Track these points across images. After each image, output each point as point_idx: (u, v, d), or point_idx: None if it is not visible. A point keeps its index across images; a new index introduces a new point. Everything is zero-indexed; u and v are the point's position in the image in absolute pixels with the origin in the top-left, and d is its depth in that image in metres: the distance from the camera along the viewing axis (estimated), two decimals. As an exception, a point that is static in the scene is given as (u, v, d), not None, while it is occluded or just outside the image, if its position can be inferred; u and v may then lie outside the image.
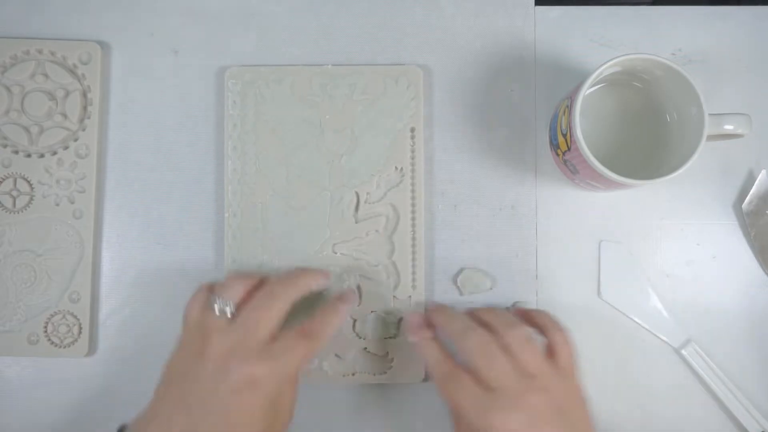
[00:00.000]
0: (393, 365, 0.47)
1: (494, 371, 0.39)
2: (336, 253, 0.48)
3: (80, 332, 0.48)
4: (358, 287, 0.48)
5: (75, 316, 0.48)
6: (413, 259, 0.48)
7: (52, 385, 0.48)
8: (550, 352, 0.41)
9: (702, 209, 0.49)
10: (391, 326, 0.48)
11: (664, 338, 0.48)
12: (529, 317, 0.44)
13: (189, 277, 0.49)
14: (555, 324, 0.42)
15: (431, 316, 0.45)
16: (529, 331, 0.41)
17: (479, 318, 0.43)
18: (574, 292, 0.49)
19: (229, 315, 0.40)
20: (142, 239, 0.49)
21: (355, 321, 0.48)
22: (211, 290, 0.42)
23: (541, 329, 0.42)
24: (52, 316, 0.48)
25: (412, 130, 0.48)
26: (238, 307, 0.41)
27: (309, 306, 0.44)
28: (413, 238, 0.48)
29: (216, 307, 0.40)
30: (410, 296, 0.48)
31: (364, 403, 0.48)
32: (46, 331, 0.48)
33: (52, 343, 0.48)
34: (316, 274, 0.44)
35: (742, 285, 0.49)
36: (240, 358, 0.38)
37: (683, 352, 0.48)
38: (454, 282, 0.49)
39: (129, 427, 0.40)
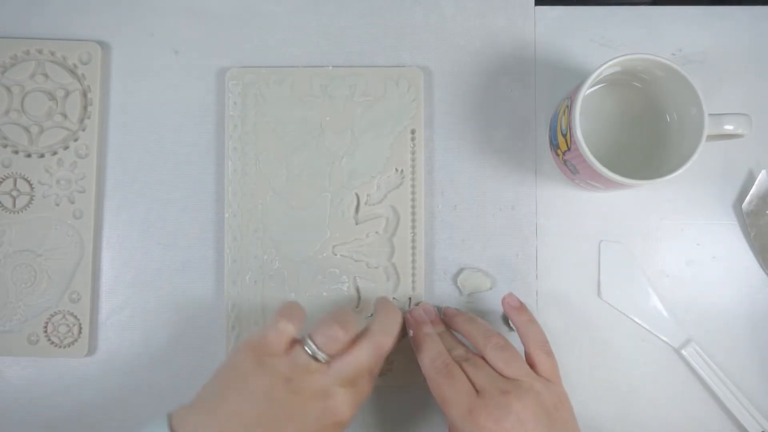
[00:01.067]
0: (393, 367, 0.47)
1: (480, 377, 0.40)
2: (336, 255, 0.48)
3: (80, 332, 0.48)
4: (357, 289, 0.48)
5: (75, 316, 0.48)
6: (413, 261, 0.48)
7: (52, 385, 0.48)
8: (531, 364, 0.42)
9: (702, 209, 0.49)
10: None
11: (664, 338, 0.48)
12: (516, 323, 0.45)
13: (189, 278, 0.49)
14: (540, 339, 0.43)
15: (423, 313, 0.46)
16: (507, 341, 0.42)
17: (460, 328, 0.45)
18: (574, 292, 0.49)
19: (322, 362, 0.40)
20: (142, 239, 0.49)
21: None
22: (300, 321, 0.41)
23: (525, 341, 0.43)
24: (52, 316, 0.48)
25: (413, 131, 0.48)
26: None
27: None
28: (413, 240, 0.48)
29: (311, 351, 0.40)
30: (410, 298, 0.48)
31: (364, 405, 0.48)
32: (46, 331, 0.48)
33: (52, 343, 0.48)
34: (400, 314, 0.44)
35: (742, 285, 0.49)
36: (337, 402, 0.39)
37: (683, 352, 0.48)
38: (454, 282, 0.49)
39: None
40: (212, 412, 0.38)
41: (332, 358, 0.40)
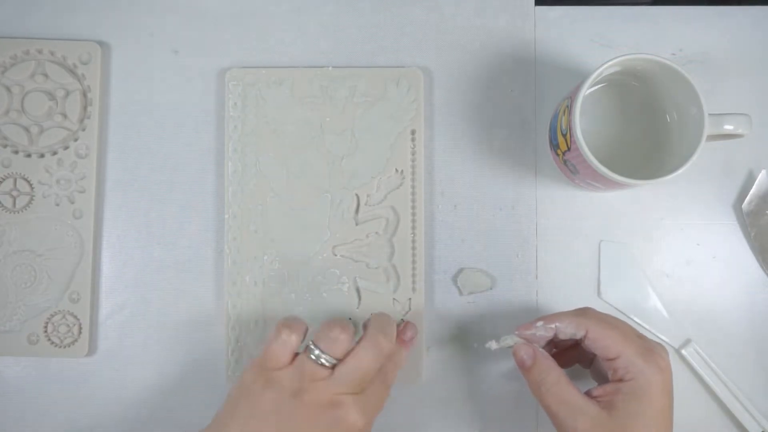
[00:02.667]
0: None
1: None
2: (336, 255, 0.48)
3: (80, 332, 0.48)
4: (357, 289, 0.48)
5: (75, 316, 0.48)
6: (413, 262, 0.48)
7: (52, 385, 0.48)
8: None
9: (702, 209, 0.49)
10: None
11: (664, 338, 0.48)
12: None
13: (189, 278, 0.49)
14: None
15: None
16: None
17: None
18: (574, 292, 0.49)
19: (328, 366, 0.40)
20: (142, 239, 0.49)
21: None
22: (303, 332, 0.41)
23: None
24: (52, 316, 0.48)
25: (413, 132, 0.48)
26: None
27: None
28: (413, 241, 0.48)
29: (318, 359, 0.40)
30: (410, 299, 0.48)
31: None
32: (46, 331, 0.48)
33: (52, 343, 0.48)
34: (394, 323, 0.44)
35: (742, 285, 0.49)
36: (346, 410, 0.39)
37: (683, 352, 0.48)
38: (454, 282, 0.49)
39: None
40: None
41: (337, 361, 0.40)
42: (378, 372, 0.42)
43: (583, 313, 0.42)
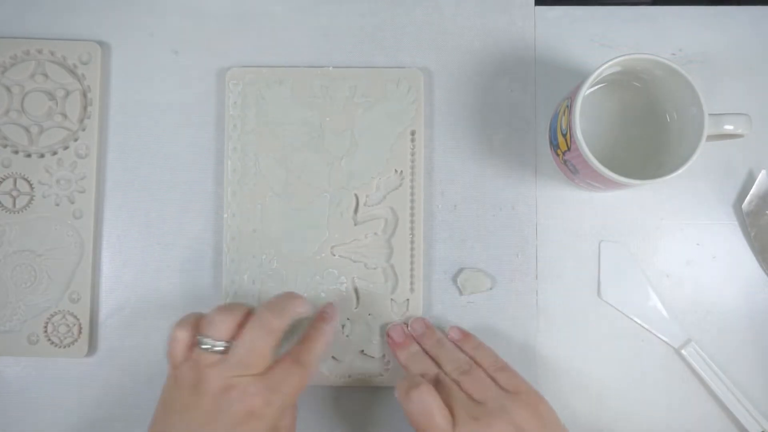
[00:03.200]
0: (389, 368, 0.47)
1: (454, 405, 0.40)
2: (334, 255, 0.48)
3: (80, 332, 0.48)
4: (356, 290, 0.48)
5: (75, 316, 0.48)
6: (411, 263, 0.48)
7: (52, 385, 0.48)
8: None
9: (702, 209, 0.49)
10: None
11: (664, 338, 0.48)
12: (466, 351, 0.45)
13: (189, 277, 0.49)
14: (493, 361, 0.44)
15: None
16: (471, 363, 0.43)
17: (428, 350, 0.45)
18: (574, 292, 0.49)
19: (221, 350, 0.40)
20: (142, 239, 0.49)
21: (343, 325, 0.48)
22: (193, 326, 0.41)
23: (482, 367, 0.43)
24: (52, 316, 0.48)
25: (413, 133, 0.48)
26: (229, 340, 0.40)
27: (292, 328, 0.43)
28: (412, 242, 0.48)
29: (206, 346, 0.40)
30: (408, 299, 0.48)
31: (360, 405, 0.48)
32: (46, 331, 0.48)
33: (52, 343, 0.48)
34: (302, 301, 0.43)
35: (742, 285, 0.49)
36: (240, 391, 0.39)
37: (683, 352, 0.48)
38: (454, 282, 0.49)
39: None
40: None
41: (226, 344, 0.40)
42: (287, 353, 0.41)
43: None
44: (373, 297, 0.48)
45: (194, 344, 0.40)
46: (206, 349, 0.40)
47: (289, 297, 0.43)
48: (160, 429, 0.39)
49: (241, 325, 0.41)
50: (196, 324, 0.41)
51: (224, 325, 0.40)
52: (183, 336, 0.41)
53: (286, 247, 0.48)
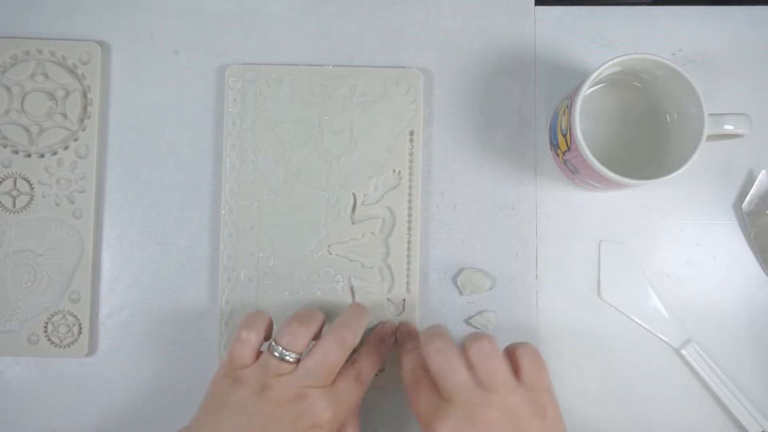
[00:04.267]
0: (385, 367, 0.47)
1: (450, 381, 0.39)
2: (331, 254, 0.48)
3: (80, 332, 0.48)
4: (352, 289, 0.48)
5: (75, 316, 0.48)
6: (408, 263, 0.48)
7: (52, 385, 0.48)
8: (516, 368, 0.40)
9: (702, 209, 0.49)
10: None
11: (664, 338, 0.48)
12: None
13: (188, 277, 0.49)
14: (522, 343, 0.42)
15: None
16: (494, 344, 0.40)
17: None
18: (574, 292, 0.49)
19: (292, 361, 0.40)
20: (142, 239, 0.49)
21: None
22: (262, 329, 0.42)
23: (509, 348, 0.42)
24: (52, 316, 0.48)
25: (411, 133, 0.48)
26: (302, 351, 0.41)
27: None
28: (409, 242, 0.48)
29: (278, 353, 0.40)
30: (404, 299, 0.48)
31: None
32: (46, 331, 0.48)
33: (52, 343, 0.48)
34: (369, 312, 0.44)
35: (742, 285, 0.49)
36: (310, 402, 0.40)
37: (683, 352, 0.48)
38: (454, 282, 0.49)
39: None
40: None
41: (299, 355, 0.41)
42: (349, 367, 0.42)
43: (424, 345, 0.41)
44: (369, 297, 0.48)
45: (260, 347, 0.41)
46: (278, 357, 0.40)
47: (362, 312, 0.44)
48: (211, 427, 0.39)
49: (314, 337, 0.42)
50: (265, 328, 0.42)
51: (302, 339, 0.41)
52: (253, 339, 0.41)
53: (282, 245, 0.48)
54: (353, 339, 0.41)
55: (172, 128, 0.49)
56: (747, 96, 0.49)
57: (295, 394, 0.40)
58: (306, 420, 0.39)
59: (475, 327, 0.48)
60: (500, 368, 0.39)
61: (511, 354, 0.41)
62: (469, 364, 0.39)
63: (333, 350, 0.41)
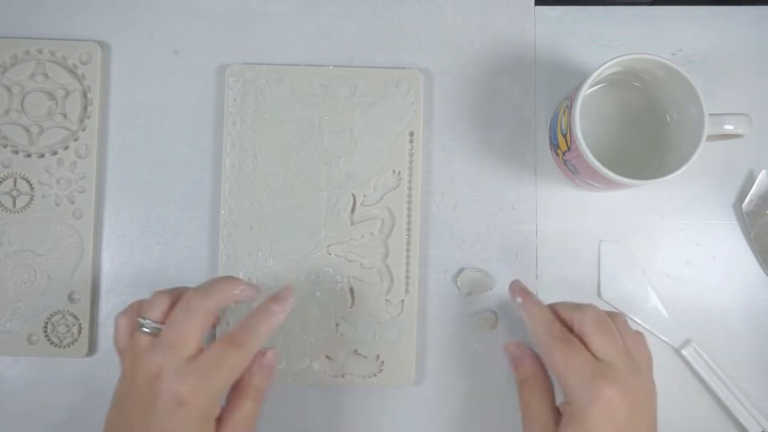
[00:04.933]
0: (383, 368, 0.47)
1: (609, 347, 0.39)
2: (330, 254, 0.48)
3: (80, 332, 0.48)
4: (351, 289, 0.48)
5: (75, 316, 0.48)
6: (407, 264, 0.48)
7: (52, 385, 0.48)
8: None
9: (702, 209, 0.49)
10: None
11: (664, 338, 0.48)
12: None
13: (188, 277, 0.49)
14: (632, 330, 0.42)
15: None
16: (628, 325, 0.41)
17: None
18: (574, 292, 0.49)
19: (148, 332, 0.39)
20: (142, 239, 0.49)
21: (337, 324, 0.47)
22: (135, 312, 0.40)
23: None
24: (52, 316, 0.48)
25: (411, 134, 0.48)
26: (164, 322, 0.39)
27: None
28: (408, 243, 0.48)
29: (143, 327, 0.39)
30: (403, 300, 0.47)
31: (353, 405, 0.48)
32: (46, 331, 0.48)
33: (52, 343, 0.48)
34: (237, 282, 0.41)
35: (742, 285, 0.49)
36: (167, 377, 0.37)
37: (683, 352, 0.48)
38: (454, 282, 0.49)
39: None
40: None
41: (160, 326, 0.39)
42: (224, 334, 0.39)
43: (580, 309, 0.40)
44: (368, 297, 0.48)
45: (135, 329, 0.39)
46: (144, 331, 0.39)
47: (224, 279, 0.41)
48: (109, 422, 0.39)
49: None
50: (138, 310, 0.40)
51: (160, 308, 0.39)
52: (124, 323, 0.40)
53: (282, 245, 0.48)
54: (206, 302, 0.39)
55: (172, 128, 0.49)
56: (747, 96, 0.49)
57: (155, 371, 0.37)
58: (166, 398, 0.36)
59: (475, 327, 0.48)
60: (641, 344, 0.41)
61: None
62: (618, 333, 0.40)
63: (185, 316, 0.38)
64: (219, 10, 0.50)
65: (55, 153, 0.49)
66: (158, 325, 0.39)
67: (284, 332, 0.47)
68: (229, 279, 0.42)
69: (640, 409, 0.38)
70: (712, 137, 0.42)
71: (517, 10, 0.50)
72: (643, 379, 0.39)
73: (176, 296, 0.40)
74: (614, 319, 0.41)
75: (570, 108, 0.42)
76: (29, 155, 0.48)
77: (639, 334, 0.41)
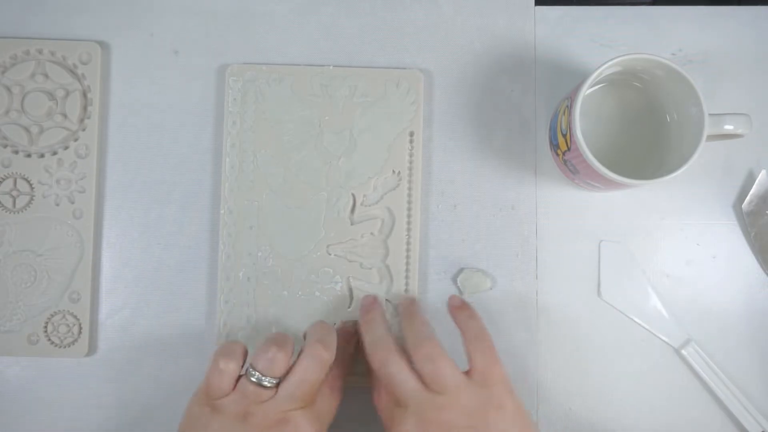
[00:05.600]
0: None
1: (401, 390, 0.40)
2: (330, 254, 0.48)
3: (80, 332, 0.48)
4: (350, 289, 0.48)
5: (75, 316, 0.48)
6: (407, 264, 0.48)
7: (52, 385, 0.48)
8: (468, 360, 0.41)
9: (702, 209, 0.49)
10: None
11: (664, 338, 0.48)
12: (456, 321, 0.44)
13: (188, 278, 0.49)
14: (478, 333, 0.42)
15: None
16: (435, 343, 0.41)
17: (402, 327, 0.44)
18: (574, 292, 0.49)
19: (270, 387, 0.40)
20: (142, 239, 0.49)
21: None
22: (240, 358, 0.41)
23: (464, 338, 0.42)
24: (52, 316, 0.48)
25: (411, 134, 0.48)
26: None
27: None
28: (408, 243, 0.48)
29: (256, 379, 0.40)
30: None
31: (352, 405, 0.48)
32: (46, 331, 0.48)
33: (52, 343, 0.48)
34: (334, 328, 0.44)
35: (742, 285, 0.49)
36: (293, 425, 0.39)
37: (683, 352, 0.48)
38: (454, 282, 0.49)
39: None
40: None
41: (278, 380, 0.40)
42: (323, 381, 0.42)
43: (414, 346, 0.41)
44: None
45: (246, 376, 0.40)
46: (256, 382, 0.40)
47: (330, 328, 0.43)
48: None
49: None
50: (244, 354, 0.42)
51: (280, 364, 0.40)
52: (231, 369, 0.40)
53: (281, 244, 0.48)
54: (330, 356, 0.41)
55: (172, 128, 0.49)
56: (747, 96, 0.49)
57: (277, 419, 0.39)
58: None
59: None
60: (446, 369, 0.40)
61: (462, 339, 0.42)
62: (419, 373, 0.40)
63: (312, 370, 0.40)
64: (219, 10, 0.50)
65: (55, 153, 0.49)
66: (274, 380, 0.40)
67: (284, 332, 0.47)
68: (331, 327, 0.44)
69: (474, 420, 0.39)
70: (712, 137, 0.42)
71: (517, 10, 0.50)
72: (450, 405, 0.39)
73: (290, 350, 0.41)
74: (413, 351, 0.41)
75: (570, 108, 0.42)
76: (29, 155, 0.48)
77: (441, 358, 0.40)
